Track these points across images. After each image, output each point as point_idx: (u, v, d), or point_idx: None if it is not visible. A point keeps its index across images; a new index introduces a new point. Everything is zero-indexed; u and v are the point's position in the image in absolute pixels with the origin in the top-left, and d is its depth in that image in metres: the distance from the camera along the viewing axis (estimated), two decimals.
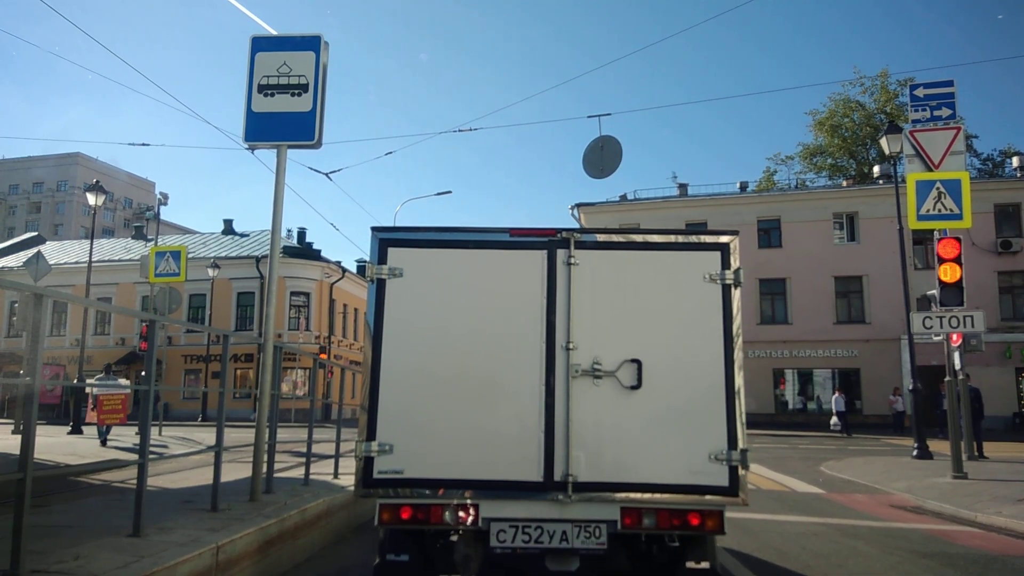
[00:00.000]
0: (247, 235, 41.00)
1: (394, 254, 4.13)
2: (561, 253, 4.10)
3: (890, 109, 44.46)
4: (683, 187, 34.04)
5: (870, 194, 30.87)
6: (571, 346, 3.99)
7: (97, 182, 19.63)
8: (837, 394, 23.76)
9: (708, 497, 3.90)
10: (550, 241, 4.12)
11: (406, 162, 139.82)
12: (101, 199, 19.57)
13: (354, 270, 45.06)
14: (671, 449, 3.96)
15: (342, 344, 40.61)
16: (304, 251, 37.41)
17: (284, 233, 44.93)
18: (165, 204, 23.68)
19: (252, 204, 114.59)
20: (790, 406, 30.65)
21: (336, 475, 9.22)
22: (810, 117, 46.59)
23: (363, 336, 4.52)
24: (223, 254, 37.78)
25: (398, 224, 13.25)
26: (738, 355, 4.11)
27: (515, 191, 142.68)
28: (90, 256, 20.24)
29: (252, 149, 5.85)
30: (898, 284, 29.99)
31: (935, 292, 11.50)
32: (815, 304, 30.28)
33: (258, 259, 36.35)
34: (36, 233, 50.50)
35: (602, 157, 11.01)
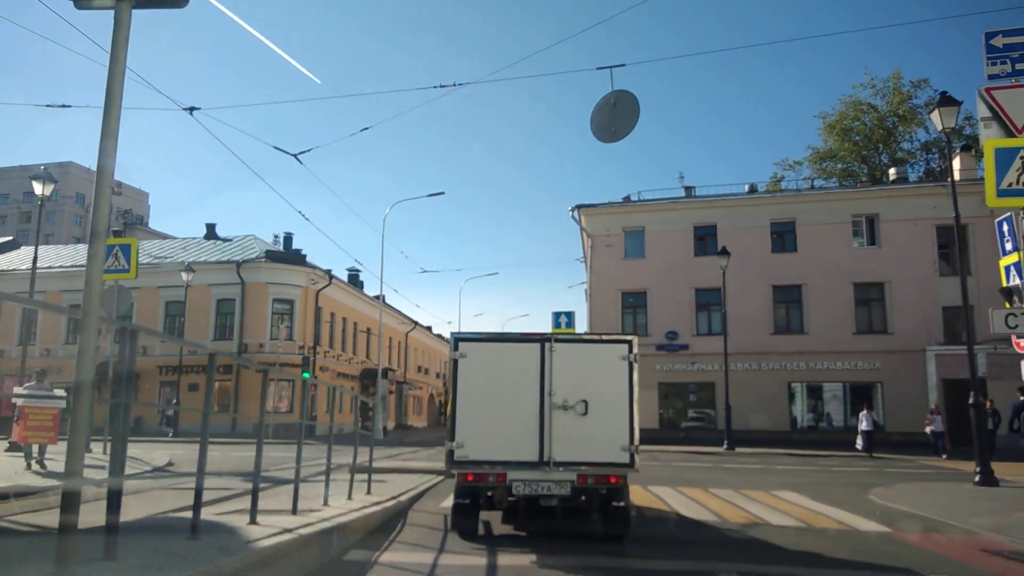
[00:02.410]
0: (230, 240, 38.94)
1: (462, 346, 7.50)
2: (547, 345, 7.46)
3: (903, 111, 42.76)
4: (689, 189, 32.09)
5: (892, 194, 28.94)
6: (552, 392, 7.37)
7: (45, 168, 17.61)
8: (865, 411, 21.58)
9: (619, 468, 7.26)
10: (542, 339, 7.54)
11: (389, 146, 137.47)
12: (50, 188, 17.50)
13: (345, 278, 43.04)
14: (601, 444, 7.28)
15: (328, 355, 38.43)
16: (288, 255, 35.35)
17: (270, 239, 43.02)
18: (118, 194, 21.46)
19: (243, 209, 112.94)
20: (806, 423, 28.47)
21: (295, 509, 7.08)
22: (820, 120, 45.00)
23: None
24: (202, 259, 35.70)
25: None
26: (636, 396, 7.39)
27: (514, 186, 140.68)
28: (34, 261, 18.44)
29: (81, 6, 3.75)
30: (923, 291, 28.36)
31: (1020, 283, 9.45)
32: (832, 313, 28.24)
33: (239, 263, 34.25)
34: (11, 238, 48.27)
35: (613, 116, 9.00)
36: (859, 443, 21.68)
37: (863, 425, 21.34)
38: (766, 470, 17.03)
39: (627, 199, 31.32)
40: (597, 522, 7.66)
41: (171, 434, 28.66)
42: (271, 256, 34.87)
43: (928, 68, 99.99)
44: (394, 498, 9.35)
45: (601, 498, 7.40)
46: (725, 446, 24.33)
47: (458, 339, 7.54)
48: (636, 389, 7.36)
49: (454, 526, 7.55)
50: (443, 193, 30.42)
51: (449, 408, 7.47)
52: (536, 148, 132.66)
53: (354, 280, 48.00)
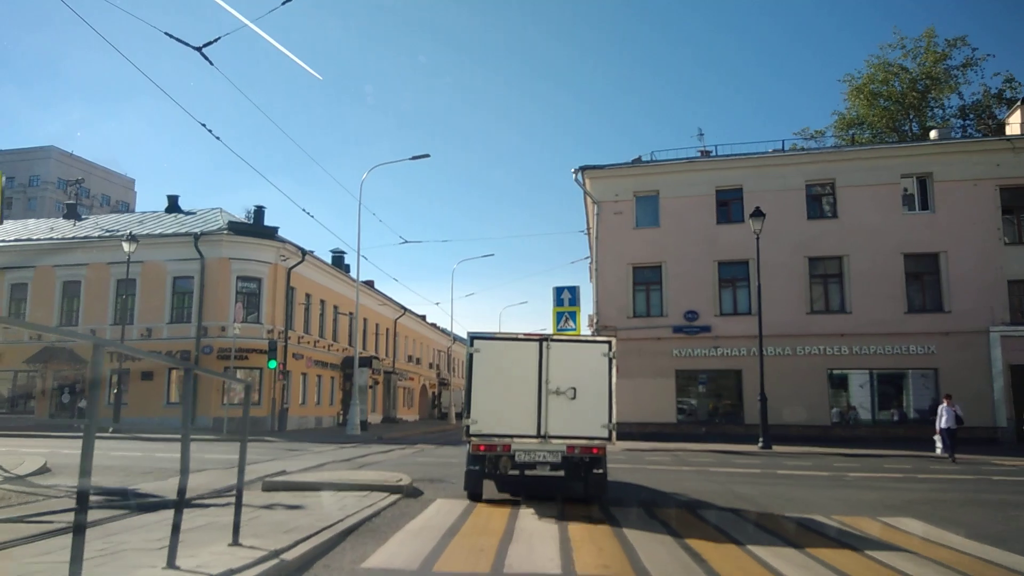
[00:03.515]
0: (193, 213, 34.84)
1: (477, 343, 9.01)
2: (545, 344, 9.05)
3: (937, 73, 38.77)
4: (706, 153, 27.98)
5: (948, 150, 24.92)
6: (548, 381, 8.88)
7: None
8: (945, 403, 17.57)
9: (598, 441, 8.76)
10: (541, 339, 9.12)
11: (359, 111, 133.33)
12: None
13: (329, 260, 38.94)
14: (586, 422, 8.79)
15: (304, 341, 34.42)
16: (254, 228, 31.26)
17: (243, 215, 38.92)
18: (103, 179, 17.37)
19: (216, 185, 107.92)
20: (852, 417, 24.53)
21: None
22: (844, 84, 40.94)
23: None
24: (157, 232, 31.67)
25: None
26: (614, 384, 8.96)
27: (509, 150, 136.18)
28: None
29: None
30: (985, 263, 24.08)
31: None
32: (879, 288, 24.27)
33: (197, 236, 30.18)
34: None
35: None
36: (938, 443, 17.69)
37: (944, 421, 17.28)
38: (838, 480, 13.08)
39: (638, 160, 27.28)
40: (579, 488, 9.15)
41: (110, 429, 24.64)
42: (235, 228, 30.80)
43: (965, 25, 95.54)
44: (277, 555, 5.27)
45: (585, 466, 8.78)
46: (760, 444, 20.44)
47: (474, 337, 9.03)
48: (614, 380, 8.95)
49: (465, 487, 9.05)
50: (428, 156, 26.29)
51: (465, 393, 8.95)
52: (532, 108, 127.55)
53: (339, 263, 43.96)
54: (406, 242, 27.85)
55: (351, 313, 41.62)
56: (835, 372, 24.66)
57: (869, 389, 24.49)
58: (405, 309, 51.70)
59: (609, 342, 9.13)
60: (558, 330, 22.54)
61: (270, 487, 9.18)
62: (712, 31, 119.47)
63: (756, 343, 24.46)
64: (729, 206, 25.98)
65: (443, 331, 66.05)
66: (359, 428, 28.26)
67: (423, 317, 63.31)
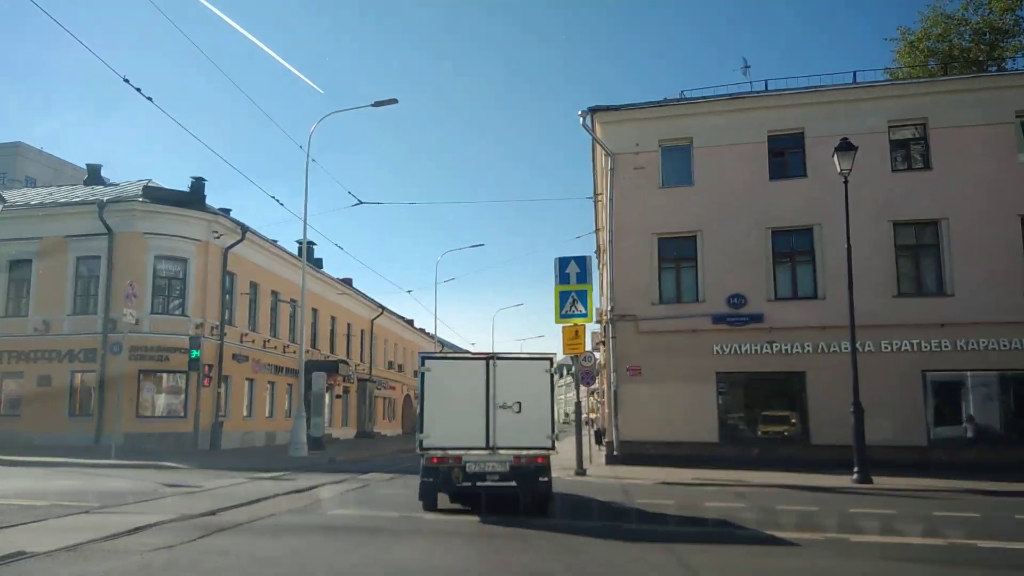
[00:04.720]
0: (117, 185, 28.55)
1: (428, 363, 9.68)
2: (491, 362, 9.64)
3: (1006, 25, 32.83)
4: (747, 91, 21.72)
5: None
6: (495, 396, 9.44)
7: None
8: None
9: (543, 451, 9.38)
10: (487, 358, 9.76)
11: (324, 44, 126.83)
12: None
13: (293, 249, 32.41)
14: (531, 434, 9.35)
15: (248, 340, 28.08)
16: (177, 196, 24.94)
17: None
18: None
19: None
20: (967, 434, 18.23)
21: None
22: (897, 41, 34.90)
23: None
24: (53, 200, 25.47)
25: None
26: (555, 399, 9.60)
27: (500, 94, 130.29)
28: None
29: None
30: None
31: None
32: (991, 262, 18.09)
33: (102, 205, 23.92)
34: None
35: None
36: None
37: None
38: None
39: (664, 101, 21.10)
40: (527, 496, 9.55)
41: None
42: (151, 195, 24.52)
43: None
44: None
45: (531, 474, 9.32)
46: (856, 475, 14.22)
47: (425, 358, 9.80)
48: (554, 394, 9.64)
49: (420, 497, 9.54)
50: (395, 101, 19.85)
51: (418, 410, 9.53)
52: (528, 42, 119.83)
53: (307, 254, 37.69)
54: (360, 203, 21.88)
55: (316, 310, 35.37)
56: (933, 374, 18.39)
57: (984, 397, 18.22)
58: (383, 308, 45.36)
59: (550, 358, 9.87)
60: (562, 316, 16.58)
61: None
62: None
63: (823, 336, 18.57)
64: (786, 156, 19.80)
65: (430, 336, 59.69)
66: (306, 448, 21.93)
67: (411, 322, 57.08)
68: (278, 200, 28.68)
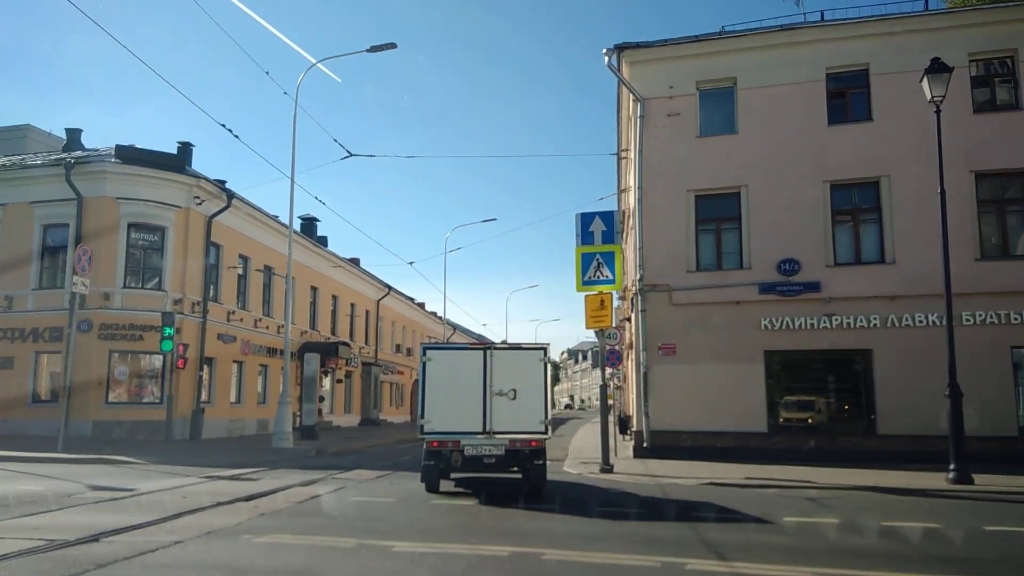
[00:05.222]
0: (95, 150, 26.06)
1: (429, 352, 10.26)
2: (489, 352, 10.25)
3: None
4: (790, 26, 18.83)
5: None
6: (492, 384, 9.96)
7: None
8: None
9: (537, 435, 9.89)
10: (485, 348, 10.44)
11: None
12: None
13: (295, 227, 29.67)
14: (525, 419, 9.86)
15: (235, 318, 25.62)
16: (153, 157, 22.40)
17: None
18: None
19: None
20: None
21: None
22: None
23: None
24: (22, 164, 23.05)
25: None
26: (549, 384, 10.25)
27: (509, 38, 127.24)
28: None
29: None
30: None
31: None
32: None
33: (70, 165, 21.44)
34: None
35: None
36: None
37: None
38: None
39: (703, 36, 18.21)
40: (522, 480, 10.18)
41: None
42: (124, 156, 22.02)
43: None
44: None
45: (526, 457, 9.95)
46: (951, 473, 11.51)
47: (426, 348, 10.42)
48: (548, 382, 10.23)
49: (422, 480, 10.07)
50: (394, 46, 16.99)
51: (420, 397, 10.06)
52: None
53: (308, 231, 35.29)
54: (350, 155, 19.14)
55: (315, 288, 32.91)
56: (1021, 352, 15.56)
57: None
58: (390, 288, 42.82)
59: (544, 348, 10.43)
60: (585, 283, 14.06)
61: None
62: None
63: (892, 307, 15.97)
64: (847, 97, 16.89)
65: (440, 318, 57.24)
66: (292, 439, 19.45)
67: (422, 305, 54.62)
68: (267, 160, 26.01)
